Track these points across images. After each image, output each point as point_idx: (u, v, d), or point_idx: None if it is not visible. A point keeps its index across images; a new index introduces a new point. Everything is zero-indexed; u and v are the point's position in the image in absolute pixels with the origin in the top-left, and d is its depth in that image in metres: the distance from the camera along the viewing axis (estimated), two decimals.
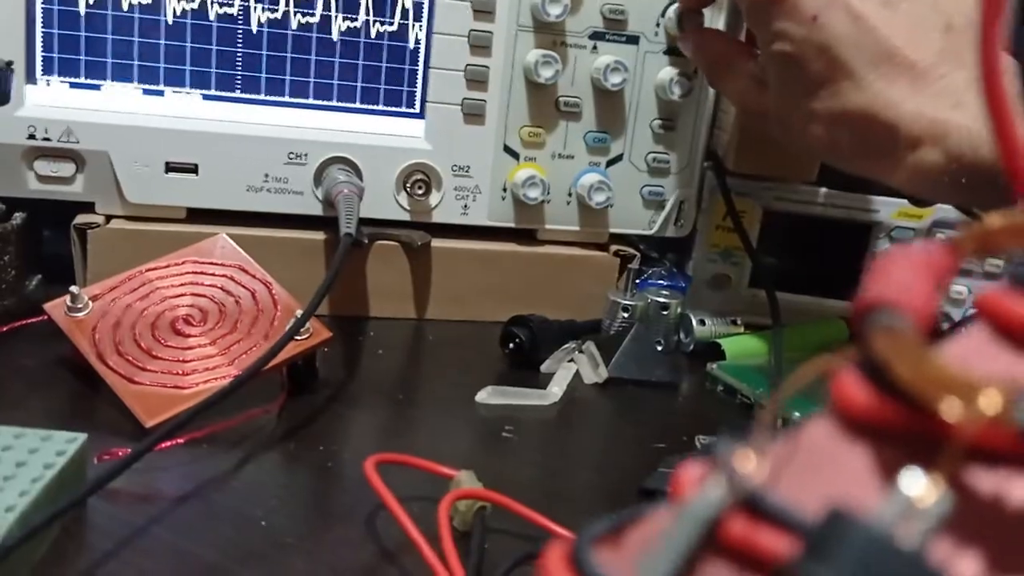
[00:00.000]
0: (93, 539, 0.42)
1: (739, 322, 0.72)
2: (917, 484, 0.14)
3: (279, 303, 0.57)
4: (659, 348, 0.68)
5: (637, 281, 0.73)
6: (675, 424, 0.61)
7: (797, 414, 0.60)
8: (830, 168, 0.60)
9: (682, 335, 0.71)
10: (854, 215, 0.75)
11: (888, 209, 0.75)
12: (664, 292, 0.70)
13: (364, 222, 0.67)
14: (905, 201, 0.74)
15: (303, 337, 0.54)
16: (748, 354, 0.68)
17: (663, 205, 0.74)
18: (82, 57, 0.63)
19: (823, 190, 0.74)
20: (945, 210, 0.74)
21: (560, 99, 0.69)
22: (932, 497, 0.14)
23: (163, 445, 0.47)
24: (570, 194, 0.71)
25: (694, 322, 0.70)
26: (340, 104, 0.67)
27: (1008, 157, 0.19)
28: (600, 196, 0.70)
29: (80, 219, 0.65)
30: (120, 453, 0.45)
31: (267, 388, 0.54)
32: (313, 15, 0.65)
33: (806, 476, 0.16)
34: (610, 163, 0.72)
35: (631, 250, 0.74)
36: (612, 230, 0.74)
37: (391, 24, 0.67)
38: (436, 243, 0.69)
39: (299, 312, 0.54)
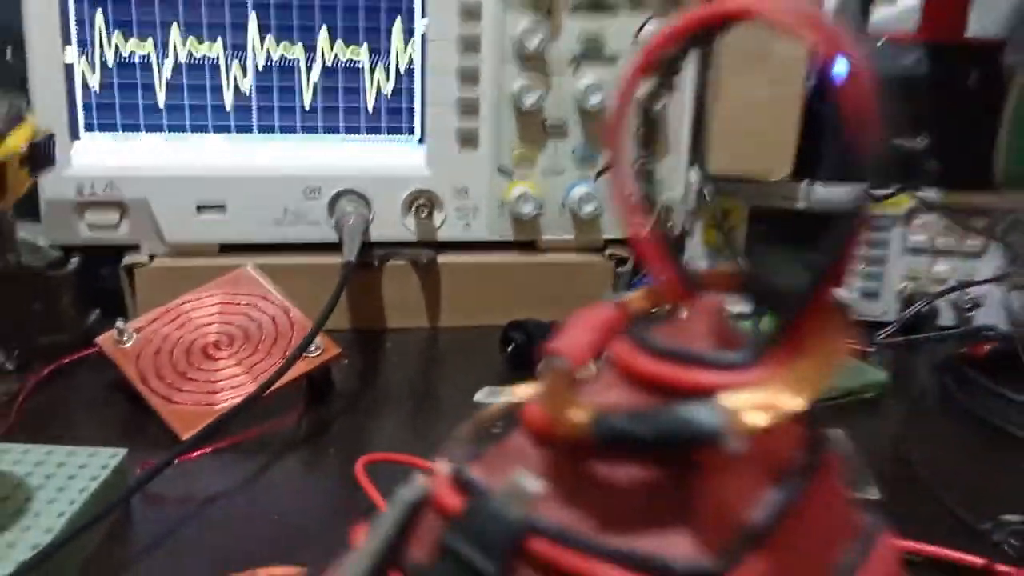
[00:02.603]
0: (136, 538, 0.50)
1: None
2: (525, 475, 0.21)
3: (295, 325, 0.65)
4: None
5: (633, 281, 0.79)
6: None
7: None
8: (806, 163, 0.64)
9: None
10: (836, 207, 0.80)
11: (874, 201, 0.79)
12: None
13: (376, 245, 0.75)
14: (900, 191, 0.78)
15: (315, 354, 0.62)
16: None
17: (652, 209, 0.79)
18: (117, 113, 0.72)
19: (803, 185, 0.79)
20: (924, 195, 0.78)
21: (546, 121, 0.76)
22: (532, 484, 0.21)
23: (195, 454, 0.55)
24: (563, 205, 0.78)
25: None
26: (347, 136, 0.75)
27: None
28: (588, 207, 0.77)
29: (128, 259, 0.74)
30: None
31: (289, 401, 0.62)
32: (315, 58, 0.73)
33: (498, 465, 0.22)
34: (599, 174, 0.78)
35: (624, 253, 0.80)
36: (607, 236, 0.80)
37: (389, 63, 0.74)
38: (443, 259, 0.77)
39: (316, 333, 0.62)
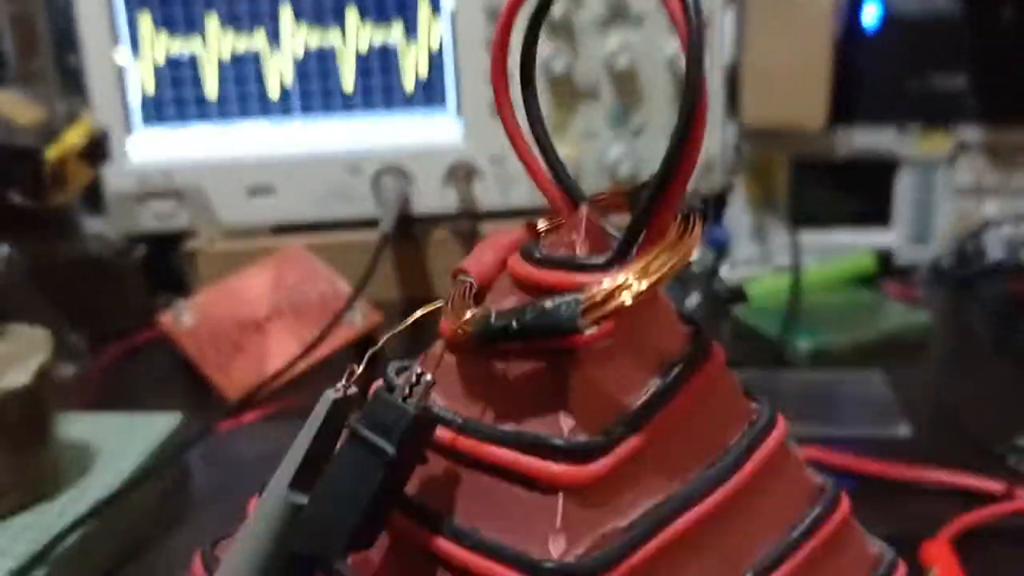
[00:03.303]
0: (194, 493, 0.55)
1: (769, 266, 0.78)
2: (415, 369, 0.23)
3: (340, 296, 0.68)
4: (691, 298, 0.75)
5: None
6: None
7: (802, 343, 0.67)
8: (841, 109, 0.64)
9: (715, 284, 0.78)
10: (875, 153, 0.79)
11: (908, 142, 0.78)
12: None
13: (419, 219, 0.77)
14: (923, 132, 0.77)
15: (358, 322, 0.65)
16: (775, 295, 0.74)
17: None
18: (169, 107, 0.76)
19: (841, 132, 0.78)
20: (966, 135, 0.77)
21: (577, 86, 0.77)
22: (427, 377, 0.23)
23: (247, 418, 0.59)
24: (600, 167, 0.79)
25: (721, 271, 0.77)
26: (386, 113, 0.78)
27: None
28: (625, 166, 0.78)
29: (189, 245, 0.78)
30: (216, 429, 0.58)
31: (338, 369, 0.66)
32: (348, 38, 0.76)
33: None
34: (636, 133, 0.79)
35: None
36: None
37: (420, 40, 0.77)
38: (486, 227, 0.79)
39: (357, 303, 0.65)
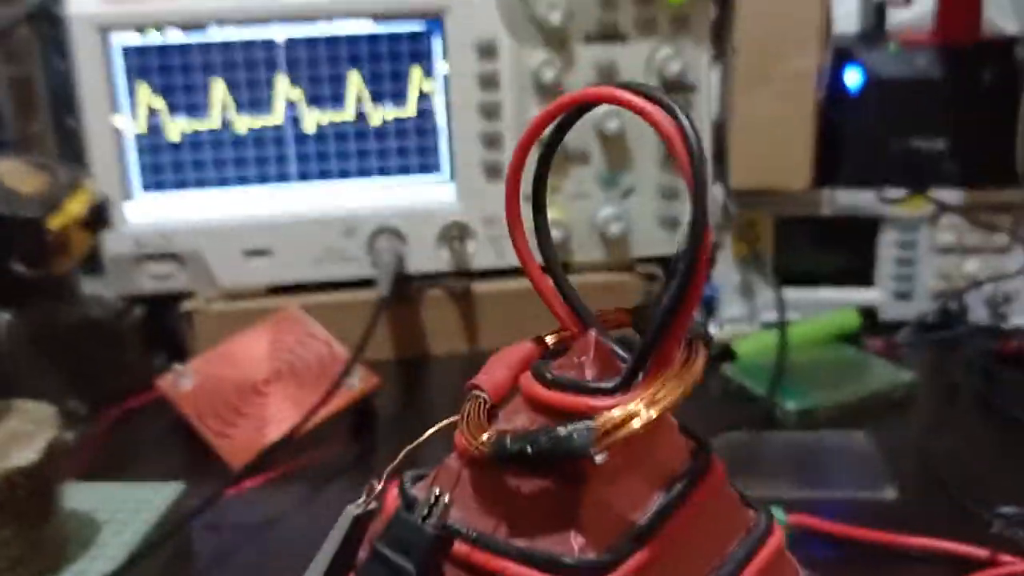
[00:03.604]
0: (197, 563, 0.55)
1: (755, 323, 0.80)
2: (441, 489, 0.25)
3: (338, 360, 0.69)
4: None
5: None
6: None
7: (790, 404, 0.68)
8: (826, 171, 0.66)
9: None
10: (859, 212, 0.81)
11: (890, 203, 0.80)
12: None
13: (414, 278, 0.79)
14: (903, 192, 0.79)
15: (355, 385, 0.66)
16: (762, 352, 0.76)
17: (678, 225, 0.82)
18: (166, 173, 0.78)
19: (824, 192, 0.80)
20: (945, 196, 0.79)
21: (569, 150, 0.79)
22: (446, 496, 0.24)
23: (248, 484, 0.60)
24: (592, 227, 0.81)
25: (710, 327, 0.78)
26: (380, 177, 0.79)
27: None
28: (616, 227, 0.80)
29: (186, 305, 0.79)
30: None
31: (335, 432, 0.67)
32: (346, 111, 0.78)
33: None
34: (625, 194, 0.81)
35: (653, 270, 0.83)
36: (636, 254, 0.83)
37: (412, 106, 0.78)
38: (479, 287, 0.81)
39: (353, 366, 0.66)
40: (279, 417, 0.66)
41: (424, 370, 0.79)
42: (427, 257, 0.80)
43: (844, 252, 0.83)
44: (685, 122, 0.24)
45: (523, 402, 0.27)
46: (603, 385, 0.26)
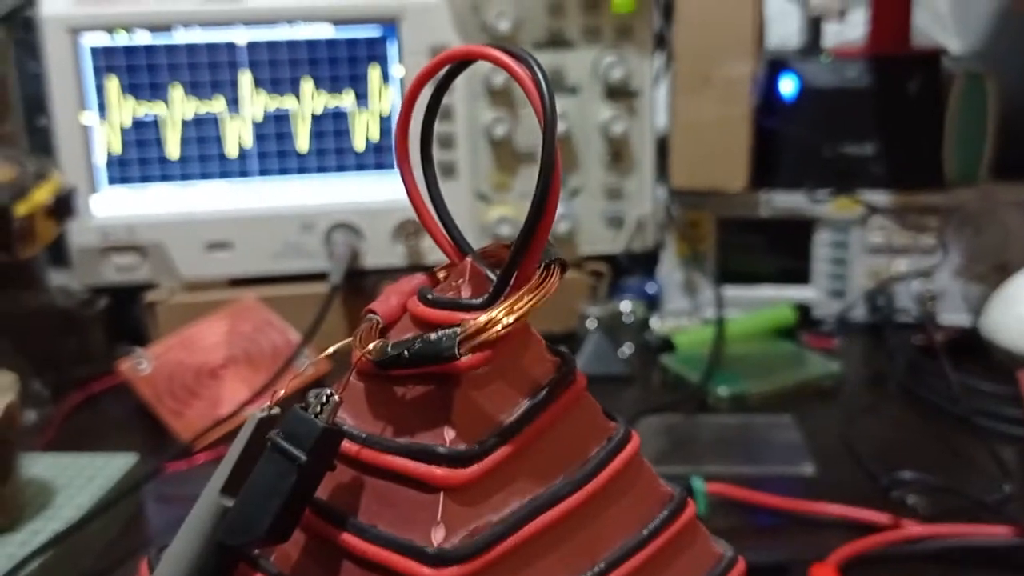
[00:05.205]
0: (148, 529, 0.58)
1: (698, 318, 0.84)
2: (330, 391, 0.28)
3: (293, 346, 0.73)
4: (624, 348, 0.80)
5: (613, 292, 0.86)
6: (623, 408, 0.73)
7: (722, 389, 0.72)
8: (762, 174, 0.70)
9: (646, 334, 0.83)
10: (795, 213, 0.85)
11: (825, 205, 0.85)
12: (627, 301, 0.83)
13: (369, 272, 0.82)
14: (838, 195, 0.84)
15: (307, 370, 0.70)
16: (700, 344, 0.80)
17: (623, 225, 0.86)
18: (132, 167, 0.81)
19: (761, 194, 0.84)
20: (874, 199, 0.84)
21: (518, 150, 0.83)
22: (334, 397, 0.28)
23: (200, 459, 0.63)
24: None
25: (652, 322, 0.82)
26: (338, 174, 0.83)
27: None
28: (563, 225, 0.84)
29: (150, 296, 0.82)
30: (168, 468, 0.62)
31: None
32: (302, 105, 0.82)
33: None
34: (572, 194, 0.85)
35: (601, 268, 0.86)
36: (583, 253, 0.86)
37: (370, 104, 0.82)
38: None
39: (305, 352, 0.70)
40: (232, 398, 0.69)
41: None
42: (382, 252, 0.83)
43: (782, 252, 0.87)
44: (539, 74, 0.28)
45: (409, 321, 0.31)
46: (473, 301, 0.30)
